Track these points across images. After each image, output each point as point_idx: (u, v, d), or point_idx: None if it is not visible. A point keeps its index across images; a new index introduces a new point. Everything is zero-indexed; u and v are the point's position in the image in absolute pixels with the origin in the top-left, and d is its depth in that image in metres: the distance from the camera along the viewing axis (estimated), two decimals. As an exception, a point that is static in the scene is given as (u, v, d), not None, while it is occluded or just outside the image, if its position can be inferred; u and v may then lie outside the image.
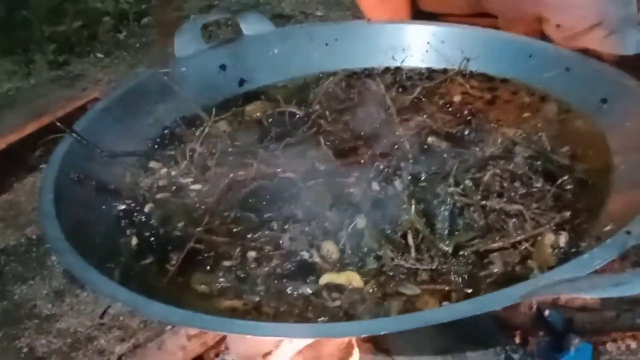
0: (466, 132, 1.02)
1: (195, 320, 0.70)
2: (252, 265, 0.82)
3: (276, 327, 0.71)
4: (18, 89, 2.26)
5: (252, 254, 0.84)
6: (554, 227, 0.79)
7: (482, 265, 0.78)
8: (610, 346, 1.12)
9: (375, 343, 0.92)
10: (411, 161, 0.91)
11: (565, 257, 0.75)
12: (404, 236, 0.81)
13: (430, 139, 1.00)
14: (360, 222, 0.83)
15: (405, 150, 0.97)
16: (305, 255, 0.82)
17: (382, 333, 0.65)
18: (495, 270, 0.77)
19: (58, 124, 1.01)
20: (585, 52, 1.47)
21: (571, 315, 1.07)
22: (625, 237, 0.69)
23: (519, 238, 0.79)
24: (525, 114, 1.09)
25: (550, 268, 0.74)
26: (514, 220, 0.82)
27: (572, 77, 1.11)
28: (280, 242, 0.84)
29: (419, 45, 1.28)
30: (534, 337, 1.07)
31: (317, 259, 0.82)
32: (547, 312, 1.07)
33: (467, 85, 1.17)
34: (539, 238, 0.79)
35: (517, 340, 1.08)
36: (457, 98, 1.15)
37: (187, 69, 1.23)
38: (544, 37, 1.63)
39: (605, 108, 1.03)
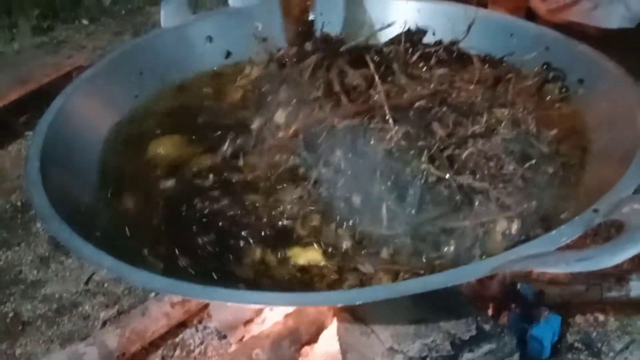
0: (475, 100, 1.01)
1: (178, 288, 0.72)
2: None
3: (257, 295, 0.73)
4: (1, 55, 2.24)
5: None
6: (512, 215, 0.81)
7: (439, 245, 0.81)
8: (579, 318, 1.16)
9: (353, 313, 0.95)
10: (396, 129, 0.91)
11: (512, 245, 0.77)
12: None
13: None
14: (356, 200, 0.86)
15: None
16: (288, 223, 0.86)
17: (361, 303, 0.67)
18: (451, 250, 0.80)
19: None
20: (569, 25, 1.49)
21: (542, 288, 1.11)
22: (592, 215, 0.72)
23: (477, 221, 0.81)
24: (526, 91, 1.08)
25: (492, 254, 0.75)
26: (479, 198, 0.84)
27: (551, 57, 1.12)
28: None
29: (402, 21, 1.28)
30: (506, 309, 1.11)
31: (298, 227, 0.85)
32: (519, 285, 1.11)
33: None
34: (491, 225, 0.81)
35: (491, 312, 1.13)
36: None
37: (173, 40, 1.24)
38: (529, 11, 1.65)
39: (582, 88, 1.05)
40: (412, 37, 1.20)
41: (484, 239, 0.81)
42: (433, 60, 1.13)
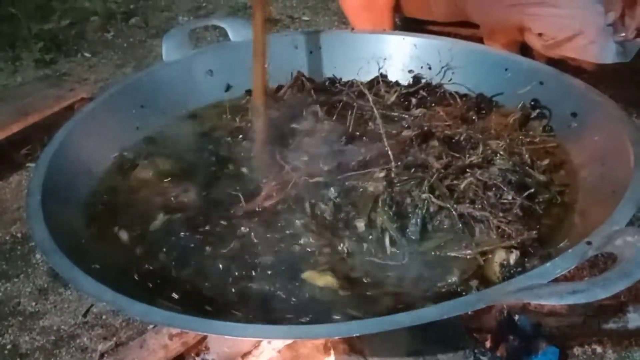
0: (460, 138, 1.04)
1: (176, 321, 0.73)
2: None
3: (254, 329, 0.73)
4: (4, 87, 2.27)
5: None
6: (513, 245, 0.83)
7: (441, 273, 0.83)
8: (577, 350, 1.16)
9: (351, 345, 0.95)
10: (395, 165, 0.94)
11: (509, 275, 0.79)
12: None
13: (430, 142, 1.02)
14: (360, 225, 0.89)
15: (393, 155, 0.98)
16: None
17: (354, 335, 0.68)
18: (454, 279, 0.81)
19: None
20: (565, 60, 1.52)
21: (540, 320, 1.11)
22: (585, 248, 0.73)
23: (478, 250, 0.83)
24: (510, 126, 1.11)
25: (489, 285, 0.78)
26: (480, 226, 0.85)
27: (545, 91, 1.15)
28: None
29: (400, 55, 1.32)
30: (504, 341, 1.11)
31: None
32: (517, 317, 1.11)
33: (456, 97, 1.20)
34: (489, 256, 0.82)
35: (489, 343, 1.13)
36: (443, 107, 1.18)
37: (175, 73, 1.26)
38: (524, 46, 1.68)
39: (575, 121, 1.07)
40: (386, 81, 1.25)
41: (482, 269, 0.82)
42: (414, 101, 1.18)
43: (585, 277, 1.22)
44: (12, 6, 2.73)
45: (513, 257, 0.80)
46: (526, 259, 0.81)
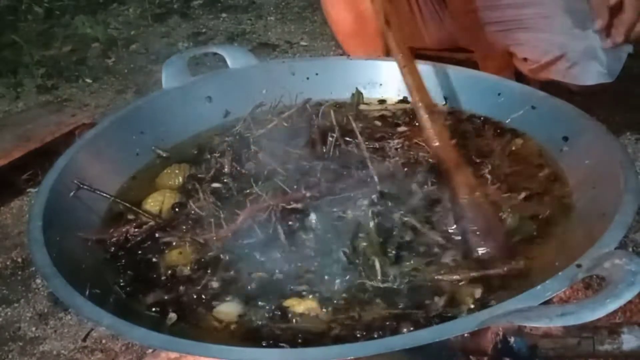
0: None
1: (176, 345, 0.74)
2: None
3: (252, 352, 0.74)
4: (6, 113, 2.29)
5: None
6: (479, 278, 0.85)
7: (430, 297, 0.84)
8: (573, 371, 1.16)
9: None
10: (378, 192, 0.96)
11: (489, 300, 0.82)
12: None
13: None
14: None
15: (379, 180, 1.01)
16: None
17: (348, 358, 0.69)
18: (443, 303, 0.82)
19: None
20: (559, 84, 1.55)
21: (535, 342, 1.12)
22: (575, 270, 0.74)
23: (455, 277, 0.85)
24: (496, 151, 1.14)
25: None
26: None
27: (537, 115, 1.17)
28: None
29: (395, 81, 1.34)
30: (500, 363, 1.11)
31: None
32: (512, 339, 1.11)
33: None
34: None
35: (484, 366, 1.13)
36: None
37: (174, 100, 1.28)
38: (519, 71, 1.71)
39: (566, 145, 1.09)
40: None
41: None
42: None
43: (581, 298, 1.23)
44: (15, 33, 2.78)
45: (478, 291, 0.83)
46: (511, 282, 0.82)
